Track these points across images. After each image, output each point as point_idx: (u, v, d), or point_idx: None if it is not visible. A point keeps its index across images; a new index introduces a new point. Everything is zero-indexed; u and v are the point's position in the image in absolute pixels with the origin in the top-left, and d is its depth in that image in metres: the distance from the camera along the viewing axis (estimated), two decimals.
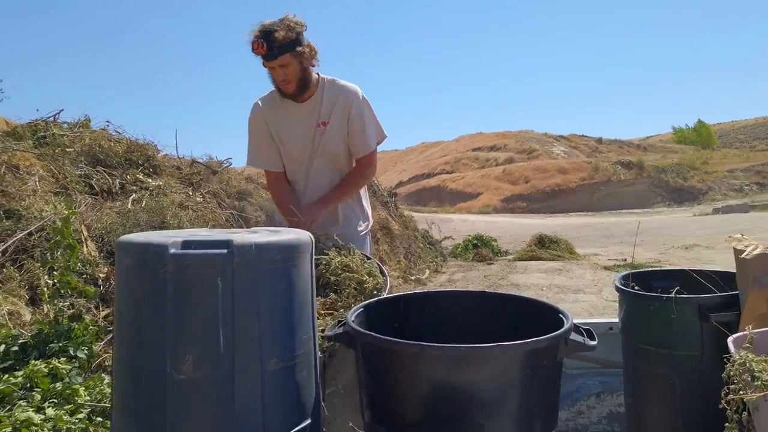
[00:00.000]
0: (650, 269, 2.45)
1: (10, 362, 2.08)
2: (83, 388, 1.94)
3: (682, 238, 12.44)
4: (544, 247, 10.61)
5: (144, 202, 4.23)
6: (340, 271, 1.83)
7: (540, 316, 1.46)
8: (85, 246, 3.14)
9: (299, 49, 2.18)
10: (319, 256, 1.88)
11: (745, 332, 1.42)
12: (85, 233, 3.30)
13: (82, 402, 1.88)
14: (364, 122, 2.36)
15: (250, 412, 1.08)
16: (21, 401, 1.85)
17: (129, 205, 4.06)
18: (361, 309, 1.49)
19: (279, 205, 2.46)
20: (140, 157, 5.04)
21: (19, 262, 2.95)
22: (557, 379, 1.38)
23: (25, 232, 3.08)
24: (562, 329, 1.29)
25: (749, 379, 1.25)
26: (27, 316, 2.58)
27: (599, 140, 47.24)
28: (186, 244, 1.06)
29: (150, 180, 4.80)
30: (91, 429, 1.79)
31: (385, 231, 8.86)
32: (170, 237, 1.10)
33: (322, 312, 1.66)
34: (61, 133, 4.84)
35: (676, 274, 2.02)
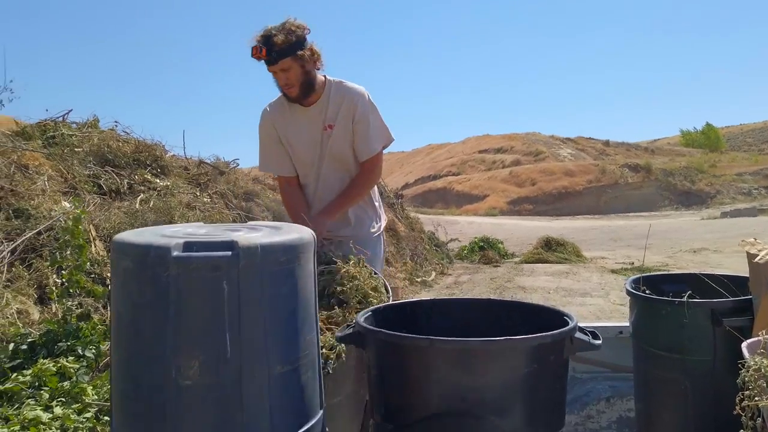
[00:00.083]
0: (661, 273, 2.43)
1: (19, 361, 2.09)
2: (91, 388, 1.95)
3: (690, 241, 12.36)
4: (551, 249, 10.57)
5: (152, 202, 4.25)
6: (346, 282, 1.81)
7: (546, 322, 1.49)
8: (93, 246, 3.15)
9: (300, 52, 2.17)
10: (327, 266, 1.87)
11: (759, 338, 1.40)
12: (94, 233, 3.31)
13: (90, 401, 1.89)
14: (368, 124, 2.34)
15: (258, 417, 1.06)
16: (29, 399, 1.86)
17: (137, 205, 4.08)
18: (370, 313, 1.53)
19: (289, 212, 2.46)
20: (148, 157, 5.07)
21: (28, 261, 2.97)
22: (564, 377, 1.42)
23: (34, 231, 3.09)
24: (568, 327, 1.35)
25: (764, 385, 1.24)
26: (35, 315, 2.59)
27: (606, 143, 47.07)
28: (188, 246, 1.03)
29: (158, 180, 4.82)
30: (98, 428, 1.79)
31: (391, 233, 8.85)
32: (170, 237, 1.06)
33: (323, 328, 1.65)
34: (70, 133, 4.86)
35: (687, 278, 2.00)
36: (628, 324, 2.04)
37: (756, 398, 1.24)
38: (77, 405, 1.86)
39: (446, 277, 9.08)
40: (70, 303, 2.36)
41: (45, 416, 1.76)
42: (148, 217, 3.84)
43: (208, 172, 5.80)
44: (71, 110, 5.24)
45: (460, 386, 1.28)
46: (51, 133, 4.73)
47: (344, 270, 1.85)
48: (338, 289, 1.79)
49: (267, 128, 2.43)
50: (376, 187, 2.58)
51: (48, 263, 2.83)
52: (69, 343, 2.14)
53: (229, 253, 1.02)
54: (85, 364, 2.07)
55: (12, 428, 1.71)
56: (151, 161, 5.04)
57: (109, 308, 2.69)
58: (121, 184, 4.41)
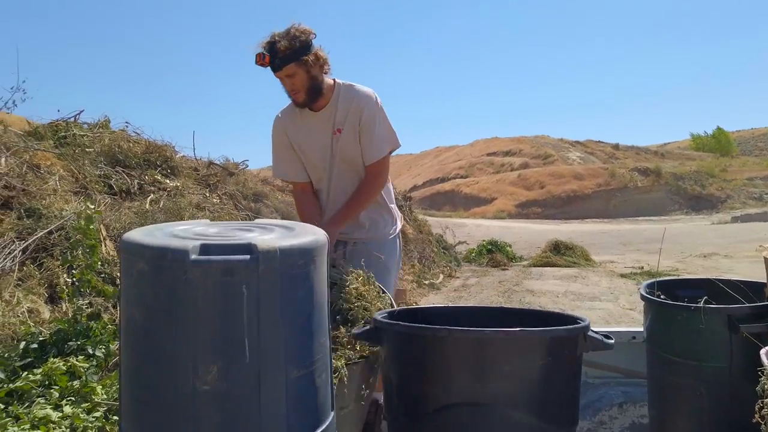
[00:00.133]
0: (675, 278, 2.40)
1: (30, 359, 2.09)
2: (100, 387, 1.95)
3: (701, 246, 12.25)
4: (560, 253, 10.51)
5: (162, 203, 4.26)
6: (354, 300, 1.78)
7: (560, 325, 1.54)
8: (103, 245, 3.16)
9: (304, 58, 2.16)
10: (338, 281, 1.84)
11: None
12: (104, 233, 3.33)
13: (99, 400, 1.89)
14: (375, 127, 2.30)
15: (275, 421, 1.04)
16: (39, 398, 1.86)
17: (147, 206, 4.09)
18: (386, 314, 1.57)
19: (301, 220, 2.45)
20: (158, 158, 5.09)
21: (39, 261, 2.98)
22: (577, 376, 1.46)
23: (46, 230, 3.11)
24: (581, 324, 1.42)
25: None
26: (46, 314, 2.60)
27: (616, 146, 46.76)
28: (205, 248, 1.00)
29: (168, 181, 4.84)
30: (107, 428, 1.79)
31: None
32: (184, 239, 1.04)
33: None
34: (82, 133, 4.89)
35: (702, 283, 1.98)
36: (640, 329, 2.02)
37: None
38: (87, 404, 1.86)
39: (454, 280, 9.05)
40: (80, 302, 2.37)
41: (55, 415, 1.76)
42: (158, 217, 3.85)
43: (217, 173, 5.82)
44: (83, 111, 5.28)
45: (476, 376, 1.34)
46: (63, 134, 4.76)
47: (353, 287, 1.81)
48: (344, 306, 1.76)
49: (279, 135, 2.42)
50: (390, 188, 2.56)
51: (59, 262, 2.84)
52: (79, 343, 2.15)
53: (248, 256, 1.01)
54: (94, 363, 2.08)
55: (22, 427, 1.71)
56: (161, 162, 5.06)
57: (118, 308, 2.70)
58: (131, 184, 4.43)
